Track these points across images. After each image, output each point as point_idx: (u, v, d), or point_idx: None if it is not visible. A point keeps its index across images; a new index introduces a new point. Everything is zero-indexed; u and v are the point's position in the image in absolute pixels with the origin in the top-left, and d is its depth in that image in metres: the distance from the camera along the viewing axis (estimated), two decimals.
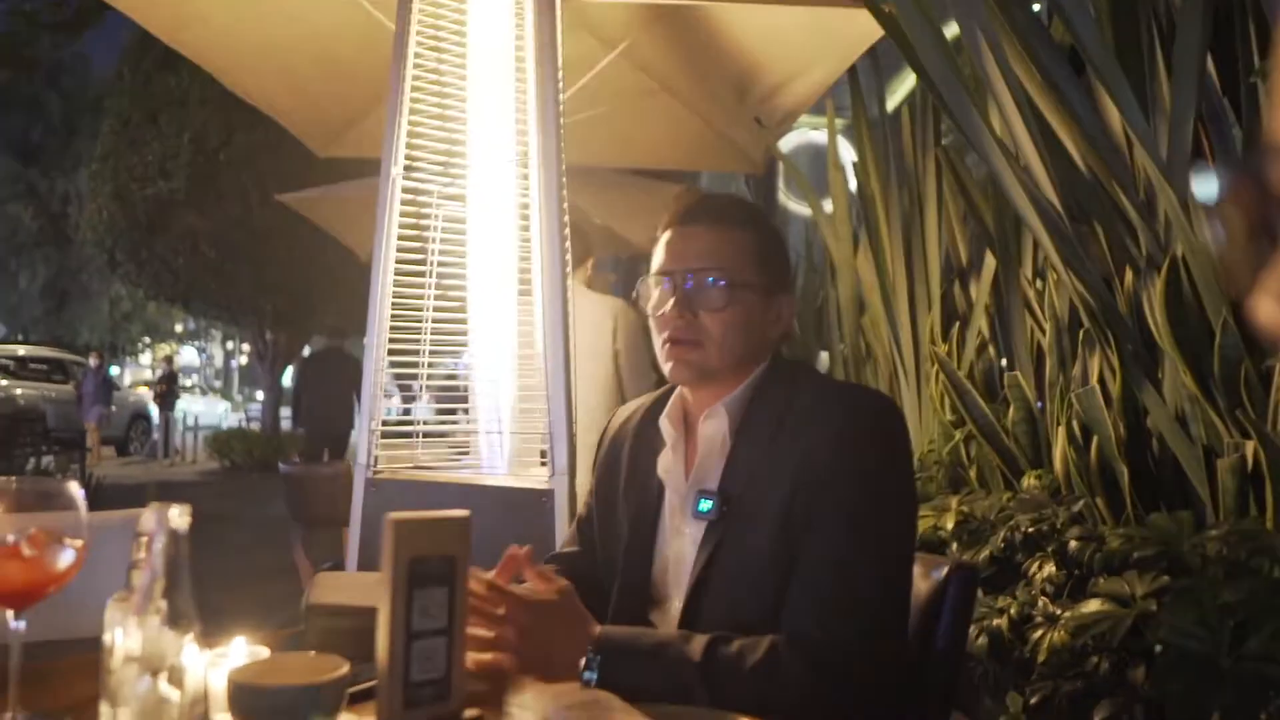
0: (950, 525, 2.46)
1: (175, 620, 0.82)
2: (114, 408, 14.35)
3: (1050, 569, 2.09)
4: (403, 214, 2.35)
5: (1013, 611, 2.09)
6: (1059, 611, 1.96)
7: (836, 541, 1.12)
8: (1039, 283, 2.91)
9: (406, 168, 2.35)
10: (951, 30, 2.45)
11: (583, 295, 3.21)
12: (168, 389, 15.13)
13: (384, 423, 2.37)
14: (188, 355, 39.04)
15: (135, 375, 31.74)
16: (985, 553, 2.29)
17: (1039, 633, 1.96)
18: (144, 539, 0.84)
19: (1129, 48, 2.22)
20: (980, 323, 3.21)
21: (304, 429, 8.54)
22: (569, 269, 2.28)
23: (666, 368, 1.27)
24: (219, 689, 0.86)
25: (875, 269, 3.69)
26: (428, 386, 2.44)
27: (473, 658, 1.04)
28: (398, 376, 2.41)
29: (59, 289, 23.58)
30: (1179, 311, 2.04)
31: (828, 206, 4.29)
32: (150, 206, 12.87)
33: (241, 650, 0.96)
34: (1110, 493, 2.25)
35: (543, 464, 2.25)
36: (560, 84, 2.31)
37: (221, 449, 13.68)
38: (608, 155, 4.38)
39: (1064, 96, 2.15)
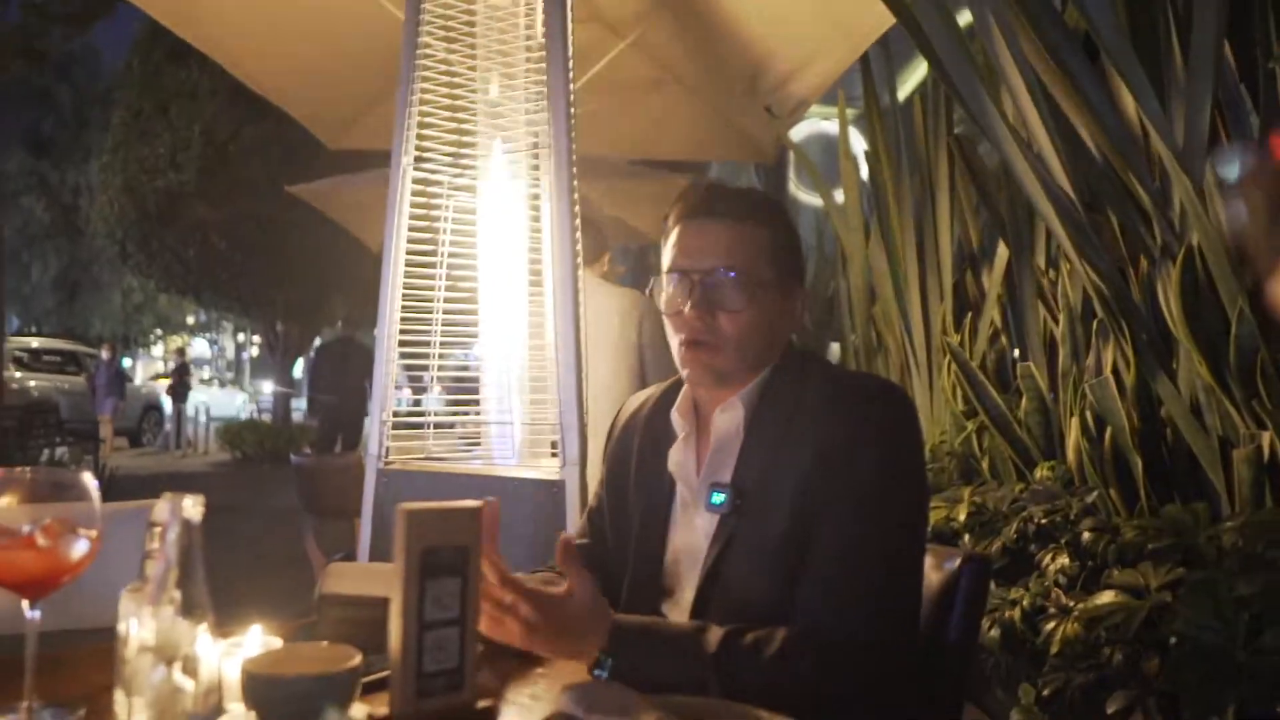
0: (962, 516, 2.46)
1: (189, 610, 0.82)
2: (125, 401, 14.41)
3: (1063, 560, 2.08)
4: (413, 205, 2.35)
5: (1025, 603, 2.09)
6: (1072, 603, 1.95)
7: (848, 532, 1.12)
8: (1052, 272, 2.90)
9: (416, 159, 2.35)
10: (964, 18, 2.43)
11: (602, 288, 3.22)
12: (179, 380, 15.19)
13: (395, 414, 2.37)
14: (199, 347, 39.23)
15: (147, 367, 31.94)
16: (998, 544, 2.28)
17: (1052, 624, 1.95)
18: (157, 529, 0.84)
19: (1144, 33, 2.20)
20: (993, 312, 3.20)
21: (317, 418, 8.59)
22: (580, 259, 2.28)
23: (685, 371, 1.26)
24: (233, 679, 0.87)
25: (887, 259, 3.67)
26: (439, 378, 2.44)
27: (485, 627, 1.04)
28: (408, 368, 2.41)
29: (71, 281, 23.70)
30: (1194, 301, 2.02)
31: (839, 196, 4.27)
32: (161, 198, 12.92)
33: (255, 640, 0.96)
34: (1124, 484, 2.23)
35: (553, 455, 2.25)
36: (571, 74, 2.30)
37: (233, 440, 13.75)
38: (618, 145, 4.36)
39: (1078, 83, 2.13)
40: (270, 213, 11.98)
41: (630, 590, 1.28)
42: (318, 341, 14.89)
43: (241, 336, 38.17)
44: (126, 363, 21.04)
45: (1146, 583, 1.84)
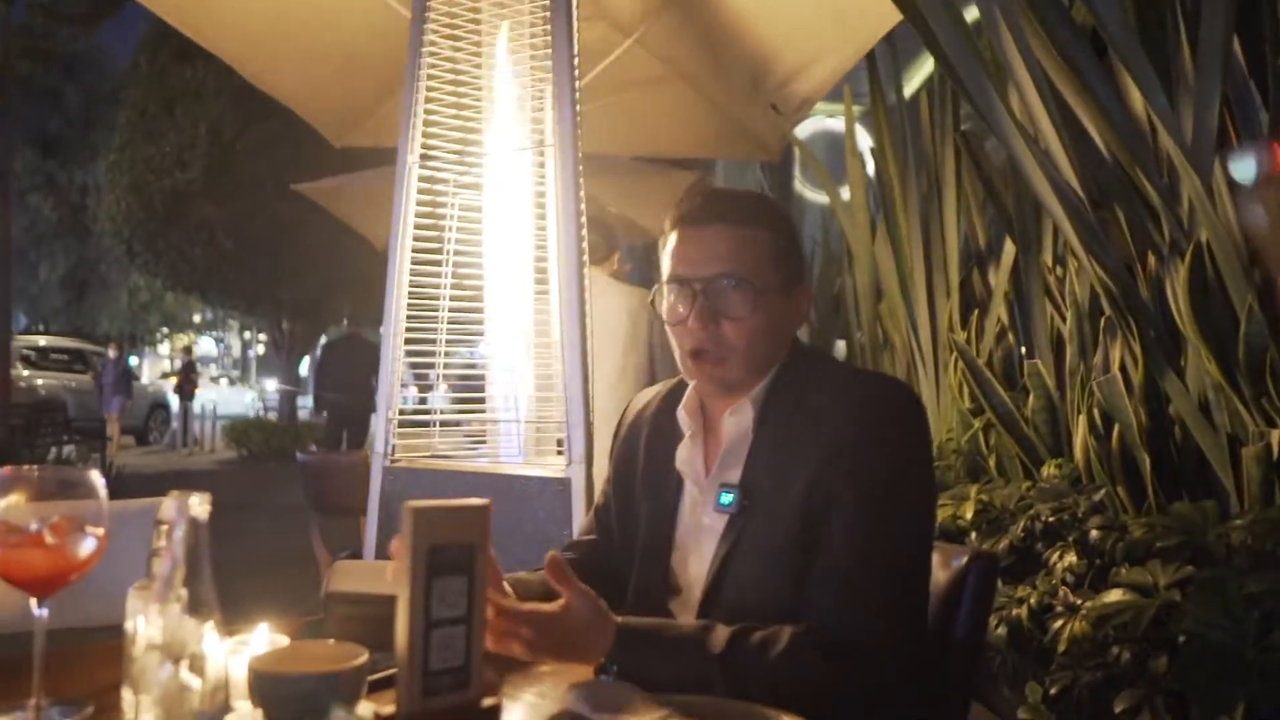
0: (969, 514, 2.45)
1: (196, 608, 0.82)
2: (132, 399, 14.45)
3: (1071, 558, 2.07)
4: (419, 203, 2.35)
5: (1033, 601, 2.08)
6: (1080, 601, 1.94)
7: (856, 530, 1.11)
8: (1059, 269, 2.89)
9: (422, 156, 2.35)
10: (971, 13, 2.42)
11: (613, 287, 3.23)
12: (185, 379, 15.24)
13: (401, 412, 2.37)
14: (205, 345, 39.33)
15: (154, 365, 32.05)
16: (1005, 542, 2.28)
17: (1059, 623, 1.94)
18: (164, 527, 0.84)
19: (1152, 28, 2.19)
20: (999, 310, 3.19)
21: (324, 416, 8.61)
22: (585, 257, 2.27)
23: (692, 382, 1.25)
24: (239, 677, 0.87)
25: (893, 256, 3.67)
26: (444, 375, 2.45)
27: (491, 644, 1.03)
28: (414, 365, 2.41)
29: (78, 280, 23.75)
30: (1203, 298, 2.01)
31: (845, 194, 4.27)
32: (167, 197, 12.96)
33: (262, 638, 0.96)
34: (1132, 482, 2.23)
35: (559, 452, 2.25)
36: (576, 72, 2.30)
37: (239, 438, 13.78)
38: (623, 143, 4.36)
39: (1085, 79, 2.12)
40: (276, 211, 12.00)
41: (637, 588, 1.28)
42: (323, 339, 14.91)
43: (247, 334, 38.27)
44: (133, 361, 21.04)
45: (1155, 581, 1.83)
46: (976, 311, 3.24)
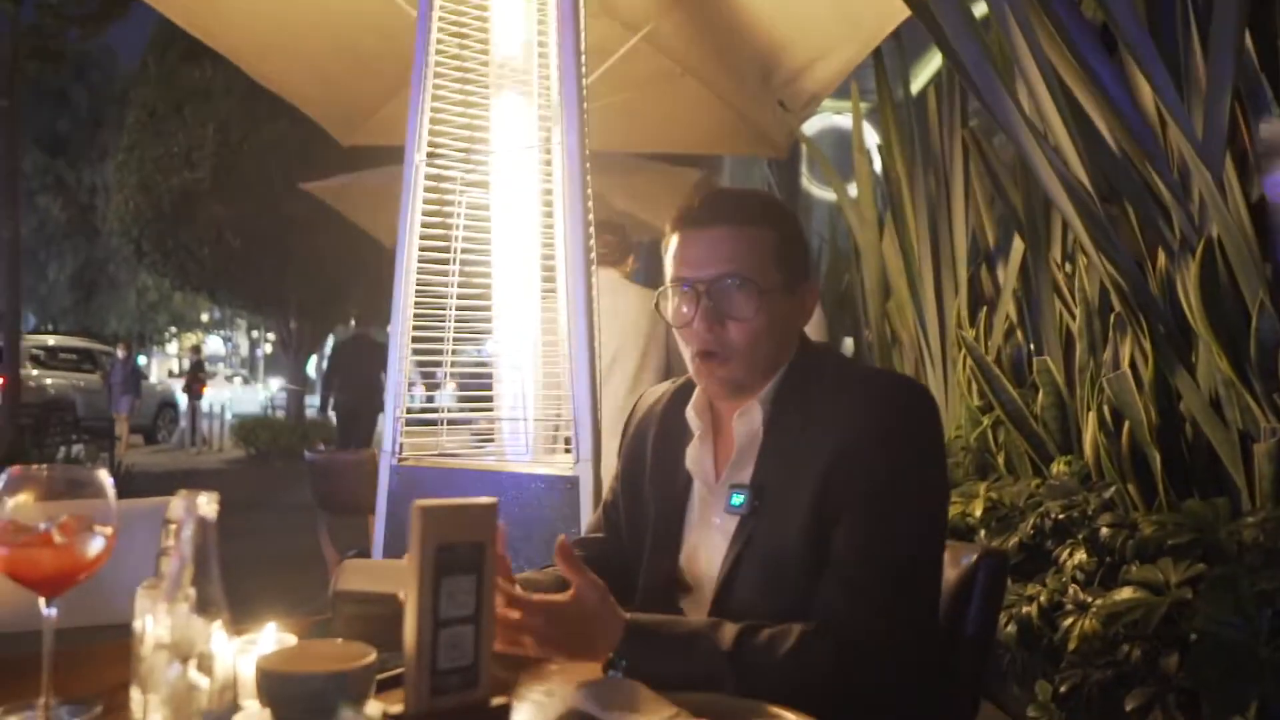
0: (979, 512, 2.44)
1: (204, 607, 0.82)
2: (141, 399, 14.50)
3: (1081, 556, 2.06)
4: (426, 201, 2.35)
5: (1042, 599, 2.07)
6: (1090, 599, 1.93)
7: (867, 530, 1.11)
8: (1068, 266, 2.87)
9: (429, 155, 2.35)
10: (979, 9, 2.42)
11: (631, 288, 3.24)
12: (193, 378, 15.29)
13: (408, 410, 2.37)
14: (213, 344, 39.45)
15: (162, 364, 32.18)
16: (1014, 540, 2.27)
17: (1069, 620, 1.93)
18: (173, 526, 0.84)
19: (1163, 23, 2.17)
20: (1008, 307, 3.17)
21: (336, 416, 8.65)
22: (593, 255, 2.27)
23: (700, 383, 1.25)
24: (247, 676, 0.86)
25: (901, 253, 3.66)
26: (452, 374, 2.44)
27: (500, 644, 1.03)
28: (422, 364, 2.41)
29: (87, 279, 23.85)
30: (1214, 293, 2.00)
31: (852, 190, 4.25)
32: (175, 197, 13.00)
33: (270, 637, 0.96)
34: (1142, 479, 2.21)
35: (567, 450, 2.24)
36: (583, 69, 2.30)
37: (247, 437, 13.82)
38: (631, 140, 4.35)
39: (1095, 74, 2.11)
40: (284, 210, 12.03)
41: (646, 587, 1.27)
42: (331, 339, 14.94)
43: (255, 334, 38.39)
44: (141, 360, 21.15)
45: (1166, 579, 1.82)
46: (985, 308, 3.23)
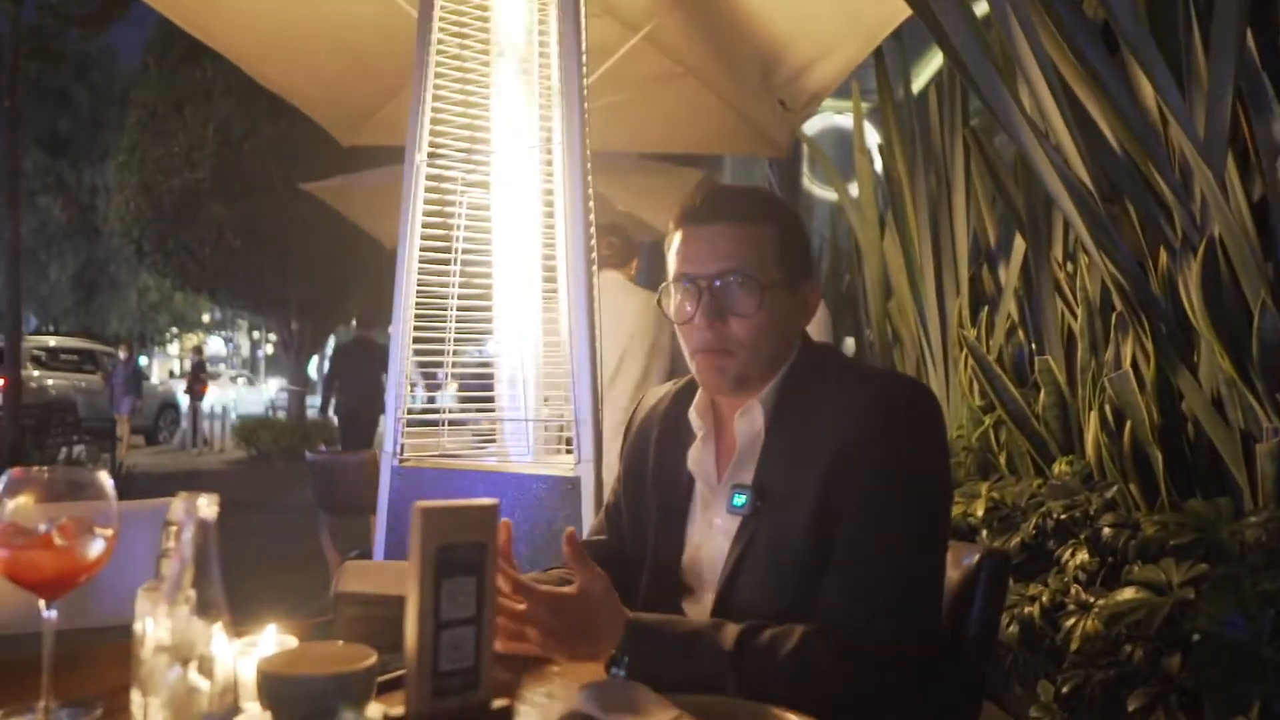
0: (980, 512, 2.44)
1: (204, 609, 0.81)
2: (142, 400, 14.51)
3: (1083, 556, 2.06)
4: (427, 201, 2.35)
5: (1044, 599, 2.07)
6: (1092, 599, 1.93)
7: (869, 531, 1.11)
8: (1070, 265, 2.87)
9: (430, 155, 2.35)
10: (980, 8, 2.41)
11: (636, 291, 3.23)
12: (194, 378, 15.30)
13: (410, 411, 2.37)
14: (214, 345, 39.47)
15: (163, 365, 32.20)
16: (1016, 540, 2.26)
17: (1071, 621, 1.93)
18: (173, 528, 0.84)
19: (1164, 21, 2.17)
20: (1009, 306, 3.17)
21: (339, 418, 8.66)
22: (594, 255, 2.27)
23: (701, 380, 1.24)
24: (248, 678, 0.86)
25: (902, 253, 3.65)
26: (453, 374, 2.44)
27: (501, 643, 1.03)
28: (423, 365, 2.41)
29: (88, 280, 23.86)
30: (1216, 293, 1.99)
31: (853, 190, 4.25)
32: (176, 197, 13.02)
33: (270, 639, 0.95)
34: (1144, 479, 2.21)
35: (568, 451, 2.24)
36: (584, 69, 2.29)
37: (249, 438, 13.82)
38: (631, 140, 4.35)
39: (1097, 73, 2.11)
40: (285, 210, 12.04)
41: (649, 588, 1.27)
42: (332, 340, 14.94)
43: (256, 334, 38.40)
44: (142, 361, 21.16)
45: (1168, 579, 1.82)
46: (986, 308, 3.22)
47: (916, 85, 4.33)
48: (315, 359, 15.58)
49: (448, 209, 2.37)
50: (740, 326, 1.18)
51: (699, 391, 1.29)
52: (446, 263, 2.34)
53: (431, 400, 2.80)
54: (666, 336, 3.06)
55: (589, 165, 2.28)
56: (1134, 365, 2.30)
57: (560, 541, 1.12)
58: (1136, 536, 1.98)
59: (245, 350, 42.39)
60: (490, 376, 2.46)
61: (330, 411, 9.11)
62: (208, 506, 0.83)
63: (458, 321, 2.34)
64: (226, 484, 10.20)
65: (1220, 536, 1.87)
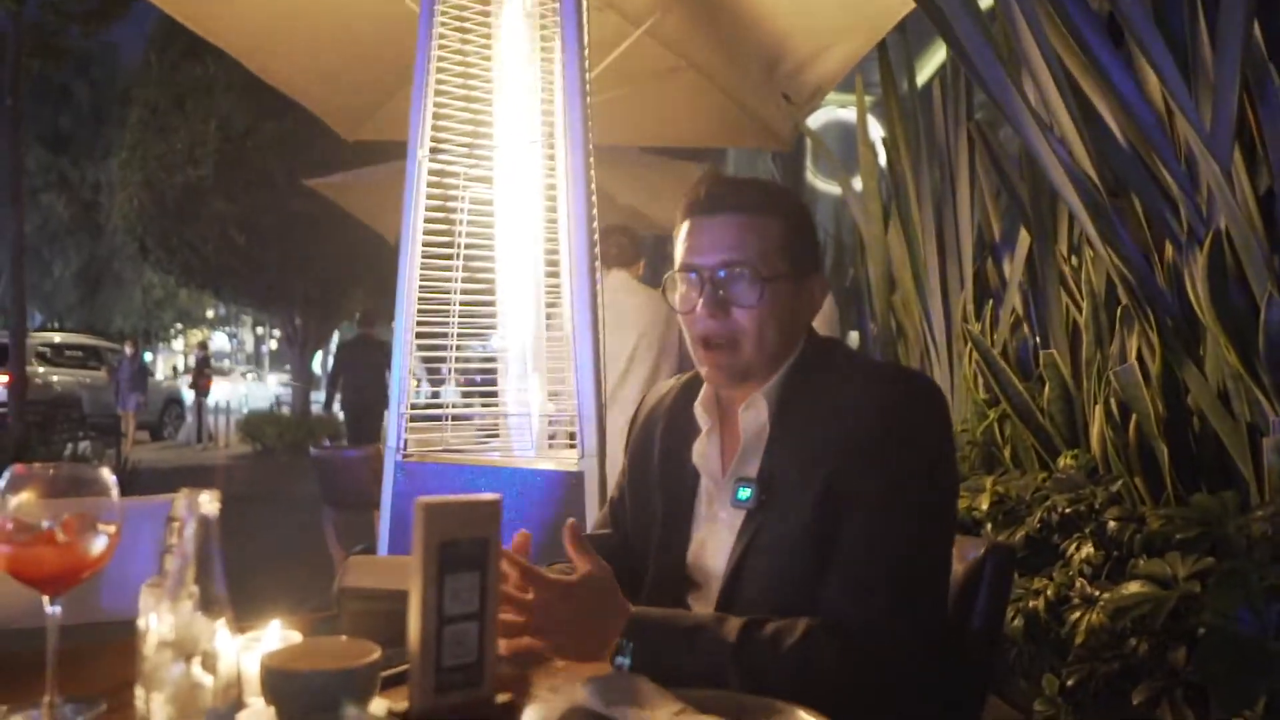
0: (985, 506, 2.43)
1: (208, 605, 0.81)
2: (148, 396, 14.53)
3: (1088, 550, 2.05)
4: (429, 196, 2.34)
5: (1049, 593, 2.06)
6: (1097, 593, 1.92)
7: (874, 526, 1.10)
8: (1075, 258, 2.86)
9: (432, 150, 2.34)
10: (985, 1, 2.40)
11: (641, 290, 3.23)
12: (199, 374, 15.33)
13: (413, 406, 2.37)
14: (219, 341, 39.54)
15: (168, 361, 32.27)
16: (1021, 533, 2.26)
17: (1076, 614, 1.93)
18: (176, 524, 0.84)
19: (1169, 13, 2.15)
20: (1014, 300, 3.16)
21: (344, 415, 8.68)
22: (598, 250, 2.26)
23: (703, 371, 1.24)
24: (252, 673, 0.86)
25: (906, 247, 3.64)
26: (456, 369, 2.44)
27: (504, 643, 1.03)
28: (426, 360, 2.41)
29: (92, 276, 23.92)
30: (1222, 286, 1.98)
31: (857, 184, 4.24)
32: (179, 194, 13.02)
33: (274, 634, 0.95)
34: (1149, 473, 2.20)
35: (572, 446, 2.24)
36: (586, 63, 2.29)
37: (254, 433, 13.85)
38: (634, 134, 4.35)
39: (1102, 66, 2.10)
40: (288, 206, 12.04)
41: (653, 582, 1.27)
42: (336, 335, 14.95)
43: (260, 330, 38.46)
44: (148, 357, 21.18)
45: (1174, 573, 1.81)
46: (991, 302, 3.21)
47: (920, 78, 4.31)
48: (320, 354, 15.58)
49: (451, 204, 2.36)
50: (742, 317, 1.18)
51: (704, 385, 1.28)
52: (449, 258, 2.34)
53: (435, 395, 2.80)
54: (674, 335, 3.06)
55: (591, 160, 2.27)
56: (1139, 359, 2.29)
57: (575, 531, 1.12)
58: (1142, 530, 1.97)
59: (250, 346, 42.47)
60: (494, 371, 2.46)
61: (335, 407, 9.13)
62: (210, 503, 0.83)
63: (461, 316, 2.34)
64: (231, 479, 10.23)
65: (1226, 530, 1.86)
